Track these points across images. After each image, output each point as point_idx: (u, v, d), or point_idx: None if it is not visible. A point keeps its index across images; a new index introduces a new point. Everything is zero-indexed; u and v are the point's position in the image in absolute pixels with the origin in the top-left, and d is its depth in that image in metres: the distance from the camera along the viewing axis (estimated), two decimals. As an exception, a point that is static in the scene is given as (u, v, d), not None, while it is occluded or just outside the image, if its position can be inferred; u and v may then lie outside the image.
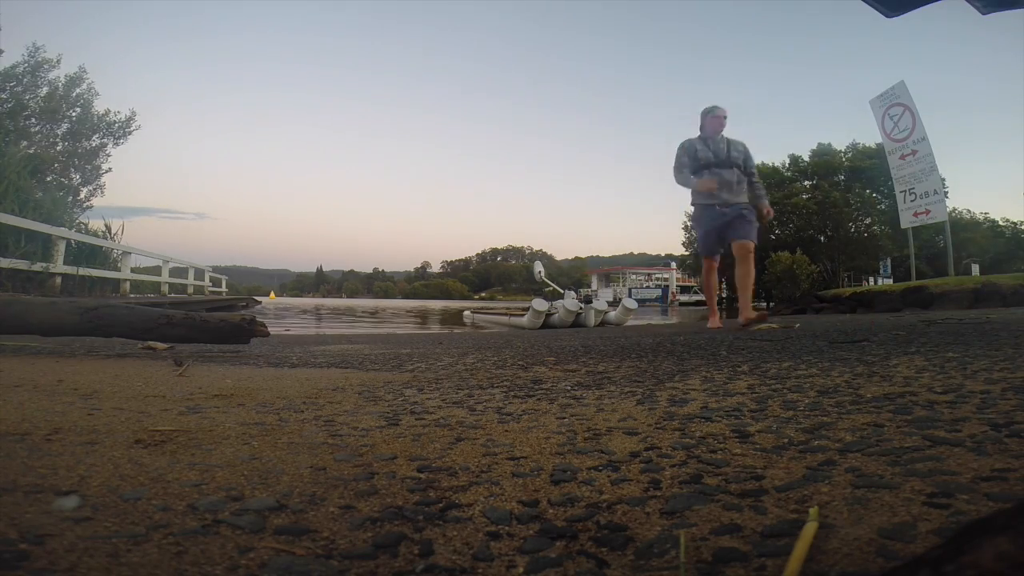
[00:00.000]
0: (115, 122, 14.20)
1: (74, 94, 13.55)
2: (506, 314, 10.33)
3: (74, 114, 13.59)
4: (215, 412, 1.13)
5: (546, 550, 0.50)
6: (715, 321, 3.92)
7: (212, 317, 2.44)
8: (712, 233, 3.76)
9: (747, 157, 3.79)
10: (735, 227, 3.67)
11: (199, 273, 15.89)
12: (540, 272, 12.05)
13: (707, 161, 3.71)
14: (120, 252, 10.39)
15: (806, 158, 27.06)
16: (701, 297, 36.20)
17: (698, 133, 3.84)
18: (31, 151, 11.60)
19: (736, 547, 0.49)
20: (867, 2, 1.02)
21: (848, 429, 0.86)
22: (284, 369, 1.92)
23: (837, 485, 0.62)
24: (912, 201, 11.92)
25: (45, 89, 13.11)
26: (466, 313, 12.16)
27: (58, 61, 13.34)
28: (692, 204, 3.86)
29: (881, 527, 0.50)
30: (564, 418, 1.05)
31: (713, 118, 3.75)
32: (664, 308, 28.54)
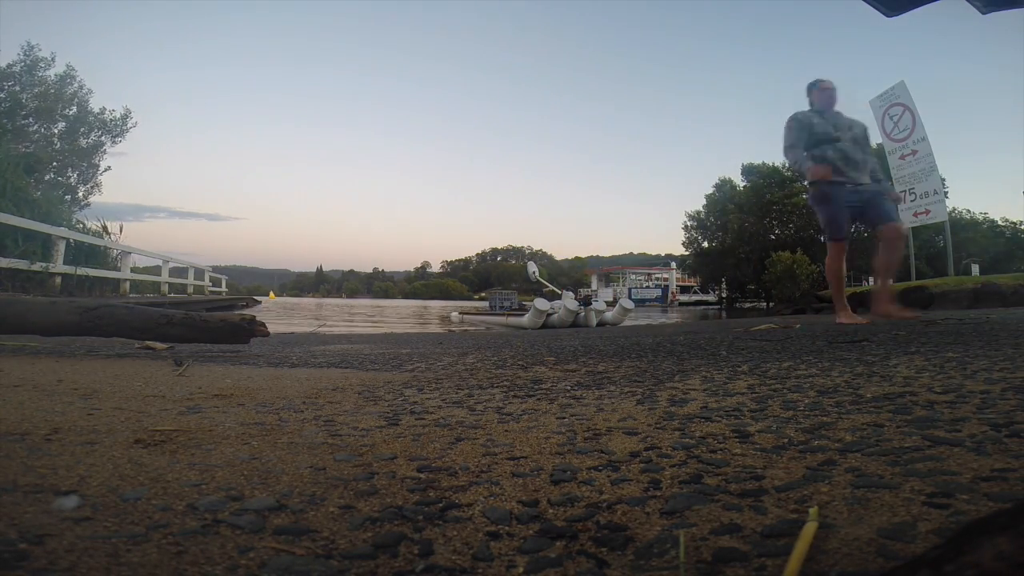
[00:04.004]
0: (111, 120, 14.19)
1: (69, 92, 13.53)
2: (503, 314, 10.31)
3: (70, 112, 13.59)
4: (215, 412, 1.13)
5: (546, 550, 0.50)
6: (848, 315, 3.28)
7: (212, 317, 2.44)
8: (844, 213, 3.28)
9: (866, 139, 3.43)
10: (878, 208, 3.26)
11: (199, 273, 15.89)
12: (534, 272, 12.07)
13: (826, 136, 3.28)
14: (120, 252, 10.39)
15: (806, 158, 27.03)
16: (701, 297, 36.15)
17: (808, 107, 3.42)
18: (28, 149, 11.60)
19: (736, 547, 0.49)
20: (867, 2, 0.99)
21: (848, 429, 0.86)
22: (284, 369, 1.92)
23: (837, 485, 0.62)
24: (912, 201, 11.92)
25: (39, 88, 13.10)
26: (454, 314, 11.91)
27: (53, 60, 13.33)
28: (810, 183, 3.38)
29: (881, 527, 0.50)
30: (564, 418, 1.05)
31: (820, 91, 3.39)
32: (664, 308, 28.53)
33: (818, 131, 3.29)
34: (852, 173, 3.25)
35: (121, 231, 11.52)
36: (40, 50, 13.03)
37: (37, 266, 7.13)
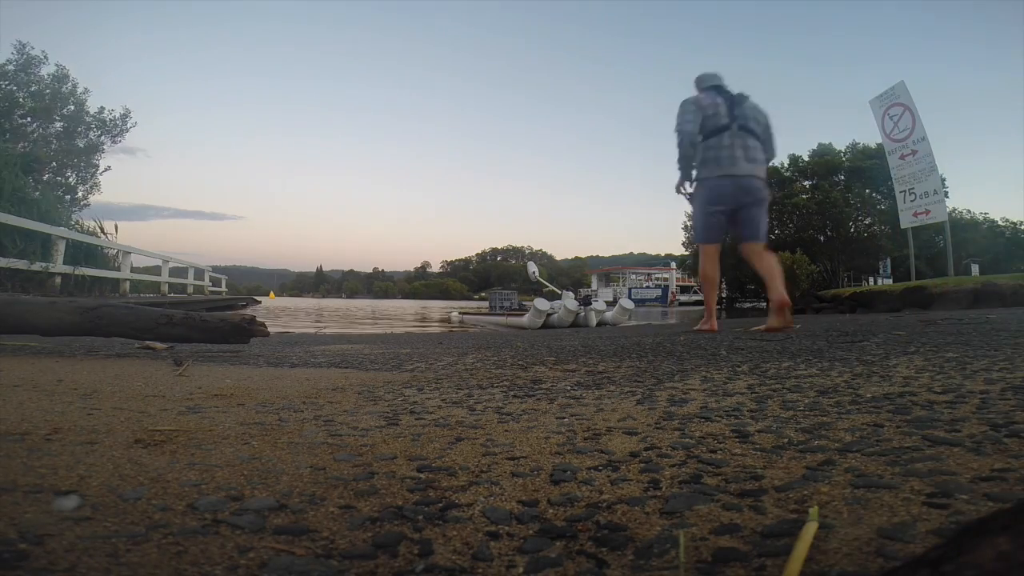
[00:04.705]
0: (110, 120, 14.16)
1: (65, 91, 13.48)
2: (503, 314, 10.36)
3: (67, 111, 13.54)
4: (215, 412, 1.13)
5: (546, 550, 0.50)
6: (710, 322, 3.37)
7: (212, 317, 2.44)
8: (717, 215, 3.25)
9: (768, 128, 3.29)
10: (747, 219, 3.21)
11: (199, 273, 15.91)
12: (534, 272, 12.14)
13: (716, 125, 3.19)
14: (120, 252, 10.39)
15: (806, 158, 27.06)
16: (701, 297, 36.14)
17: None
18: (26, 149, 11.58)
19: (736, 547, 0.49)
20: None
21: (847, 429, 0.86)
22: (284, 369, 1.92)
23: (837, 485, 0.62)
24: (912, 201, 11.94)
25: (35, 87, 13.06)
26: (453, 315, 12.14)
27: (45, 57, 13.24)
28: (694, 179, 3.32)
29: (881, 527, 0.50)
30: (564, 418, 1.05)
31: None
32: (665, 310, 28.52)
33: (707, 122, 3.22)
34: (737, 166, 3.16)
35: (116, 230, 11.51)
36: (32, 48, 12.95)
37: (37, 266, 7.13)
